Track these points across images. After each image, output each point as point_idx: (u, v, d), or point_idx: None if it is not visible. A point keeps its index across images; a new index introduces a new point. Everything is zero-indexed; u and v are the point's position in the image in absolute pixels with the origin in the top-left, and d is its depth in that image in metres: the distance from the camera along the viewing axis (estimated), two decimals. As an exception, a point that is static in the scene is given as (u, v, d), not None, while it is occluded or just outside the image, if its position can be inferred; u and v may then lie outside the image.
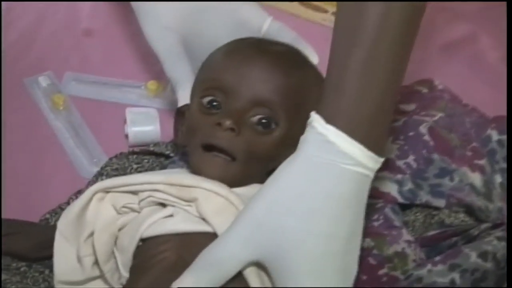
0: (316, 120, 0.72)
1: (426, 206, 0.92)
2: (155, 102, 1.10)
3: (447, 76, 1.13)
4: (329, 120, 0.71)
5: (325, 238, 0.69)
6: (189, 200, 0.80)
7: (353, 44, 0.72)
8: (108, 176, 0.98)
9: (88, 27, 1.19)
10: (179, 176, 0.83)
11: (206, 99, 0.86)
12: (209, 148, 0.83)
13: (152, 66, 1.14)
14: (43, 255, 0.87)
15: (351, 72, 0.71)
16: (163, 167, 1.00)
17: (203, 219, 0.78)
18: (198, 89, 0.88)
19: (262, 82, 0.84)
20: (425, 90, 1.04)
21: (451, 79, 1.12)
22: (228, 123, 0.81)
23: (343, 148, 0.69)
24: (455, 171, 0.92)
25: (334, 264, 0.70)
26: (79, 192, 0.96)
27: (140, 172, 1.00)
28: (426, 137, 0.95)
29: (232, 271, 0.71)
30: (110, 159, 1.01)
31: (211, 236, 0.76)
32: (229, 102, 0.84)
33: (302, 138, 0.73)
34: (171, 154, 1.00)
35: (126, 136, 1.04)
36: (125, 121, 1.05)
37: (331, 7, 1.21)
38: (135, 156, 1.01)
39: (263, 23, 1.00)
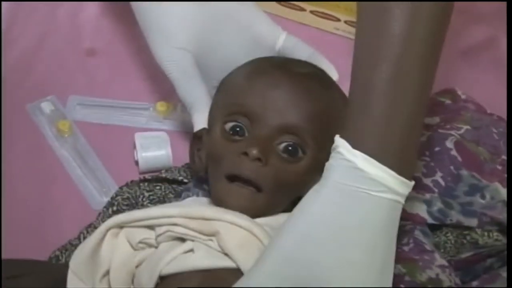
0: (342, 146, 0.68)
1: (457, 225, 0.87)
2: (165, 123, 1.06)
3: (468, 82, 1.08)
4: (356, 144, 0.67)
5: (359, 270, 0.66)
6: (210, 234, 0.76)
7: (378, 60, 0.68)
8: (119, 206, 0.94)
9: (91, 46, 1.14)
10: (198, 208, 0.79)
11: (229, 125, 0.82)
12: (233, 178, 0.79)
13: (160, 84, 1.09)
14: None
15: (377, 91, 0.67)
16: (176, 194, 0.96)
17: (226, 254, 0.75)
18: (221, 114, 0.84)
19: (289, 108, 0.80)
20: (448, 101, 1.00)
21: (473, 86, 1.08)
22: (254, 152, 0.78)
23: (373, 175, 0.66)
24: (486, 187, 0.88)
25: None
26: (90, 226, 0.92)
27: (152, 200, 0.96)
28: (453, 152, 0.91)
29: None
30: (121, 188, 0.96)
31: (235, 272, 0.73)
32: (255, 129, 0.80)
33: (328, 165, 0.69)
34: (185, 180, 0.96)
35: (136, 162, 1.00)
36: (134, 146, 1.00)
37: (343, 15, 1.16)
38: (146, 183, 0.97)
39: (277, 39, 0.96)
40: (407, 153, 0.69)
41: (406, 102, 0.68)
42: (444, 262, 0.82)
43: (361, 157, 0.66)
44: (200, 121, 0.88)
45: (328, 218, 0.66)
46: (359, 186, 0.66)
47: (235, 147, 0.80)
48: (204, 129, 0.88)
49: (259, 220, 0.79)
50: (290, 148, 0.80)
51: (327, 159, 0.70)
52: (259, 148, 0.78)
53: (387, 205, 0.67)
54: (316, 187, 0.69)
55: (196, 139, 0.88)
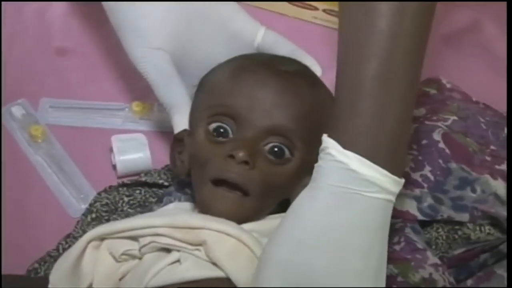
0: (332, 147, 0.66)
1: (448, 221, 0.85)
2: (142, 124, 1.02)
3: (453, 68, 1.07)
4: (346, 144, 0.65)
5: (356, 275, 0.65)
6: (197, 243, 0.73)
7: (365, 57, 0.66)
8: (98, 212, 0.91)
9: (61, 45, 1.10)
10: (183, 217, 0.75)
11: (213, 126, 0.79)
12: (218, 182, 0.76)
13: (135, 83, 1.05)
14: None
15: (365, 89, 0.66)
16: (157, 197, 0.93)
17: (214, 263, 0.72)
18: (204, 115, 0.80)
19: (276, 108, 0.77)
20: (433, 91, 0.98)
21: (457, 71, 1.06)
22: (241, 155, 0.75)
23: (366, 176, 0.64)
24: (477, 180, 0.86)
25: None
26: (69, 237, 0.89)
27: (132, 204, 0.93)
28: (441, 145, 0.89)
29: None
30: (99, 193, 0.93)
31: (224, 281, 0.71)
32: (240, 130, 0.78)
33: (318, 167, 0.67)
34: (166, 183, 0.93)
35: (114, 166, 0.96)
36: (111, 150, 0.96)
37: (321, 4, 1.14)
38: (125, 188, 0.93)
39: (256, 34, 0.92)
40: (397, 151, 0.67)
41: (395, 99, 0.66)
42: (437, 261, 0.80)
43: (354, 158, 0.64)
44: (181, 123, 0.85)
45: (322, 223, 0.65)
46: (353, 187, 0.64)
47: (220, 149, 0.77)
48: (185, 130, 0.84)
49: (246, 225, 0.76)
50: (276, 149, 0.77)
51: (315, 160, 0.68)
52: (246, 150, 0.75)
53: (381, 205, 0.65)
54: (308, 191, 0.67)
55: (177, 141, 0.85)
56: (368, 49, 0.65)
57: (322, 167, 0.66)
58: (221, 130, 0.78)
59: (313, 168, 0.68)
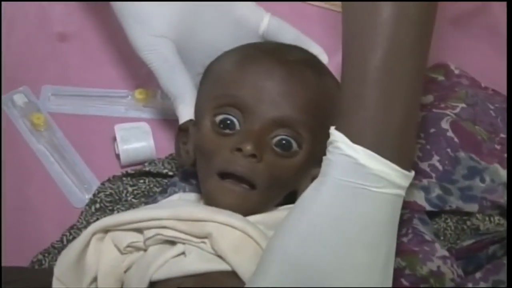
0: (341, 140, 0.64)
1: (457, 211, 0.84)
2: (145, 112, 1.01)
3: (461, 52, 1.04)
4: (354, 138, 0.64)
5: (363, 270, 0.64)
6: (202, 236, 0.72)
7: (369, 48, 0.64)
8: (102, 203, 0.91)
9: (62, 31, 1.08)
10: (188, 209, 0.74)
11: (219, 118, 0.77)
12: (225, 174, 0.75)
13: (138, 70, 1.03)
14: None
15: (371, 81, 0.64)
16: (161, 187, 0.92)
17: (220, 256, 0.71)
18: (209, 106, 0.79)
19: (284, 99, 0.76)
20: (441, 78, 0.96)
21: (466, 55, 1.04)
22: (249, 148, 0.73)
23: (376, 171, 0.63)
24: (486, 169, 0.85)
25: None
26: (73, 228, 0.88)
27: (137, 194, 0.92)
28: (450, 133, 0.87)
29: None
30: (103, 183, 0.92)
31: (229, 274, 0.70)
32: (247, 122, 0.76)
33: (327, 160, 0.65)
34: (170, 173, 0.92)
35: (117, 155, 0.95)
36: (114, 138, 0.95)
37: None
38: (129, 178, 0.92)
39: (261, 21, 0.90)
40: (406, 143, 0.65)
41: (401, 89, 0.65)
42: (445, 253, 0.79)
43: (363, 153, 0.63)
44: (186, 113, 0.84)
45: (331, 218, 0.63)
46: (362, 182, 0.63)
47: (227, 142, 0.75)
48: (190, 121, 0.83)
49: (252, 217, 0.75)
50: (284, 142, 0.76)
51: (323, 151, 0.66)
52: (253, 143, 0.73)
53: (390, 200, 0.64)
54: (316, 185, 0.65)
55: (181, 131, 0.83)
56: (371, 39, 0.64)
57: (330, 160, 0.65)
58: (228, 122, 0.77)
59: (320, 160, 0.67)
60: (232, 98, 0.77)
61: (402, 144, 0.65)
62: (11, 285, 0.77)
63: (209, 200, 0.77)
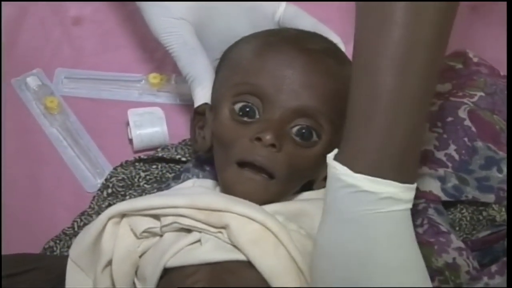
0: (342, 172, 0.63)
1: (473, 201, 0.83)
2: (159, 96, 1.00)
3: (480, 40, 1.02)
4: (355, 165, 0.63)
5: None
6: (219, 226, 0.71)
7: (379, 70, 0.63)
8: (114, 188, 0.90)
9: (76, 15, 1.07)
10: (205, 198, 0.73)
11: (238, 105, 0.76)
12: (244, 163, 0.74)
13: (152, 54, 1.03)
14: None
15: (381, 105, 0.63)
16: (174, 172, 0.91)
17: (237, 247, 0.70)
18: (229, 93, 0.78)
19: (305, 89, 0.75)
20: (459, 66, 0.94)
21: (485, 43, 1.02)
22: (268, 137, 0.72)
23: (381, 194, 0.62)
24: (503, 160, 0.84)
25: None
26: (83, 214, 0.88)
27: (149, 180, 0.91)
28: (467, 122, 0.86)
29: None
30: (115, 168, 0.92)
31: (245, 264, 0.69)
32: (267, 111, 0.75)
33: (330, 194, 0.65)
34: (183, 159, 0.91)
35: (130, 140, 0.94)
36: (127, 123, 0.94)
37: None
38: (142, 163, 0.92)
39: (277, 8, 0.89)
40: (410, 157, 0.65)
41: (409, 110, 0.63)
42: (461, 244, 0.78)
43: (365, 181, 0.62)
44: (202, 96, 0.83)
45: (347, 255, 0.64)
46: (369, 208, 0.62)
47: (247, 131, 0.74)
48: (206, 104, 0.82)
49: (269, 207, 0.74)
50: (304, 131, 0.75)
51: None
52: (274, 133, 0.72)
53: (401, 216, 0.64)
54: (325, 222, 0.65)
55: (197, 115, 0.82)
56: (383, 60, 0.63)
57: (334, 194, 0.64)
58: (247, 110, 0.76)
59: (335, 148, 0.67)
60: (252, 86, 0.76)
61: (406, 160, 0.64)
62: (31, 273, 0.77)
63: (227, 188, 0.76)
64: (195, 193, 0.76)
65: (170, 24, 0.86)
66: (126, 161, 0.92)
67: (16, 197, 0.90)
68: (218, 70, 0.84)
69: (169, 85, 0.99)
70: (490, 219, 0.83)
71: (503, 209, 0.82)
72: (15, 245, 0.84)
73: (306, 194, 0.79)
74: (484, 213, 0.83)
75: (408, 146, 0.63)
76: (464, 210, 0.84)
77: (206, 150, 0.82)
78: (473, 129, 0.85)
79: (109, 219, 0.74)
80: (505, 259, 0.76)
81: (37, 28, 1.06)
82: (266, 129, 0.73)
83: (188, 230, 0.72)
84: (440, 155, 0.84)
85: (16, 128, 0.96)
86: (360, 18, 0.65)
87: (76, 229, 0.86)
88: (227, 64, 0.82)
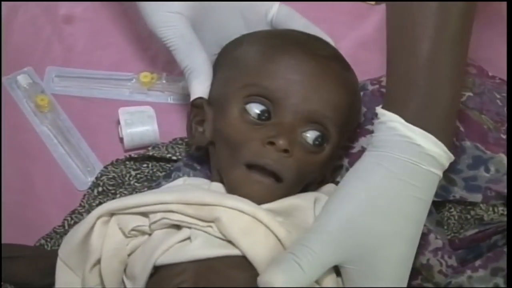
0: (395, 120, 0.69)
1: (461, 201, 0.84)
2: (149, 95, 1.00)
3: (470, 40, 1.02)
4: (409, 120, 0.68)
5: (410, 243, 0.69)
6: (209, 220, 0.72)
7: (420, 39, 0.70)
8: (105, 186, 0.90)
9: (67, 13, 1.07)
10: (195, 193, 0.74)
11: (249, 107, 0.77)
12: (252, 166, 0.75)
13: (143, 52, 1.03)
14: (48, 282, 0.78)
15: (423, 70, 0.69)
16: (165, 171, 0.91)
17: (227, 240, 0.71)
18: (239, 94, 0.78)
19: (314, 94, 0.76)
20: (448, 66, 0.95)
21: (472, 44, 1.00)
22: (281, 143, 0.73)
23: (430, 151, 0.68)
24: (491, 159, 0.84)
25: (409, 268, 0.70)
26: (74, 212, 0.88)
27: (140, 178, 0.91)
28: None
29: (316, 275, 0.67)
30: (106, 167, 0.92)
31: (237, 260, 0.70)
32: (278, 114, 0.76)
33: (382, 138, 0.70)
34: (173, 157, 0.91)
35: (121, 139, 0.94)
36: (118, 122, 0.95)
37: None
38: (132, 162, 0.92)
39: (270, 7, 0.91)
40: (451, 126, 0.71)
41: (449, 77, 0.70)
42: (439, 244, 0.79)
43: (419, 133, 0.68)
44: (199, 89, 0.83)
45: (389, 190, 0.68)
46: (416, 160, 0.68)
47: (258, 133, 0.75)
48: (202, 98, 0.82)
49: (264, 206, 0.74)
50: (315, 137, 0.76)
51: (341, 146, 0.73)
52: (287, 138, 0.73)
53: (435, 179, 0.70)
54: (375, 159, 0.69)
55: (194, 108, 0.82)
56: (422, 30, 0.69)
57: (387, 139, 0.69)
58: (259, 112, 0.76)
59: (337, 153, 0.74)
60: (264, 89, 0.76)
61: (449, 127, 0.71)
62: (15, 261, 0.79)
63: (233, 189, 0.76)
64: (185, 190, 0.76)
65: (167, 18, 0.86)
66: (117, 160, 0.92)
67: (7, 195, 0.90)
68: (218, 69, 0.84)
69: (160, 84, 0.99)
70: (478, 218, 0.84)
71: (490, 209, 0.84)
72: (6, 242, 0.84)
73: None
74: (472, 212, 0.84)
75: (450, 111, 0.70)
76: (452, 209, 0.85)
77: (203, 145, 0.82)
78: (461, 128, 0.85)
79: (98, 218, 0.74)
80: (489, 254, 0.77)
81: (28, 26, 1.05)
82: (280, 134, 0.73)
83: (178, 227, 0.73)
84: (428, 154, 0.85)
85: (6, 126, 0.96)
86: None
87: (66, 227, 0.86)
88: (232, 64, 0.82)
